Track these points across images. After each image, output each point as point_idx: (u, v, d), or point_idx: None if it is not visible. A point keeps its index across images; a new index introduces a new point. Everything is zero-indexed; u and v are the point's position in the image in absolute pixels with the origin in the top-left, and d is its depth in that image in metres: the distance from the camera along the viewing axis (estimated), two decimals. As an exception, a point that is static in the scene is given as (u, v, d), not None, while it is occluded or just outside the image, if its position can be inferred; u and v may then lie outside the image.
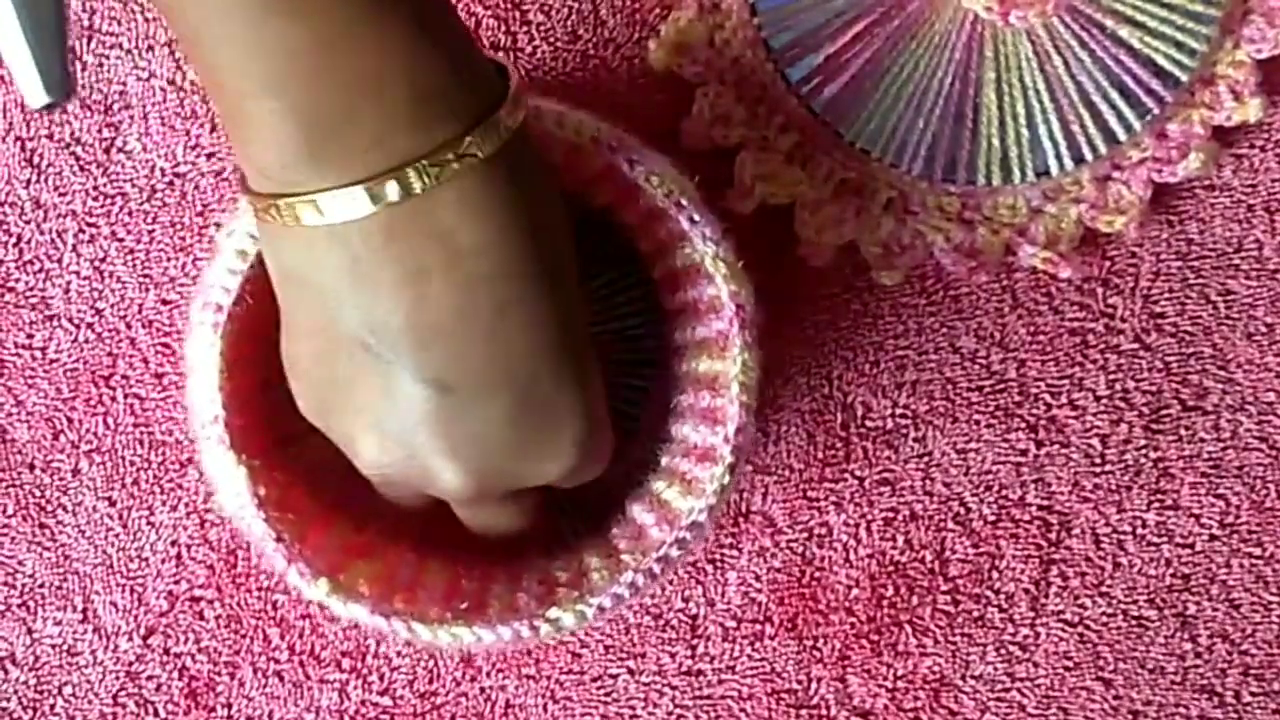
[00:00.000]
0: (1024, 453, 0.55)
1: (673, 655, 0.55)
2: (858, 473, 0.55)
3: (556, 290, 0.40)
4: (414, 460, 0.41)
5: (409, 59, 0.37)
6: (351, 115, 0.37)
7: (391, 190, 0.37)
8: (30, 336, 0.54)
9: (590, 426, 0.42)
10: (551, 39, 0.53)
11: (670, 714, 0.55)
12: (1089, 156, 0.53)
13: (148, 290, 0.54)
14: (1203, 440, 0.55)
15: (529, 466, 0.42)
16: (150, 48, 0.53)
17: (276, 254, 0.40)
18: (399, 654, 0.55)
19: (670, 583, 0.55)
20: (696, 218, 0.47)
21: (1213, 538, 0.56)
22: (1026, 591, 0.55)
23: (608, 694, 0.55)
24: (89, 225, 0.53)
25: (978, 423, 0.55)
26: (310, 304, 0.40)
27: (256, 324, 0.46)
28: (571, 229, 0.43)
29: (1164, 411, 0.55)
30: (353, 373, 0.40)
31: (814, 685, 0.55)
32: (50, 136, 0.53)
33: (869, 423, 0.55)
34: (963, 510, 0.55)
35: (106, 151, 0.53)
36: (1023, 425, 0.55)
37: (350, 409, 0.41)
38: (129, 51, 0.53)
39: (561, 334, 0.41)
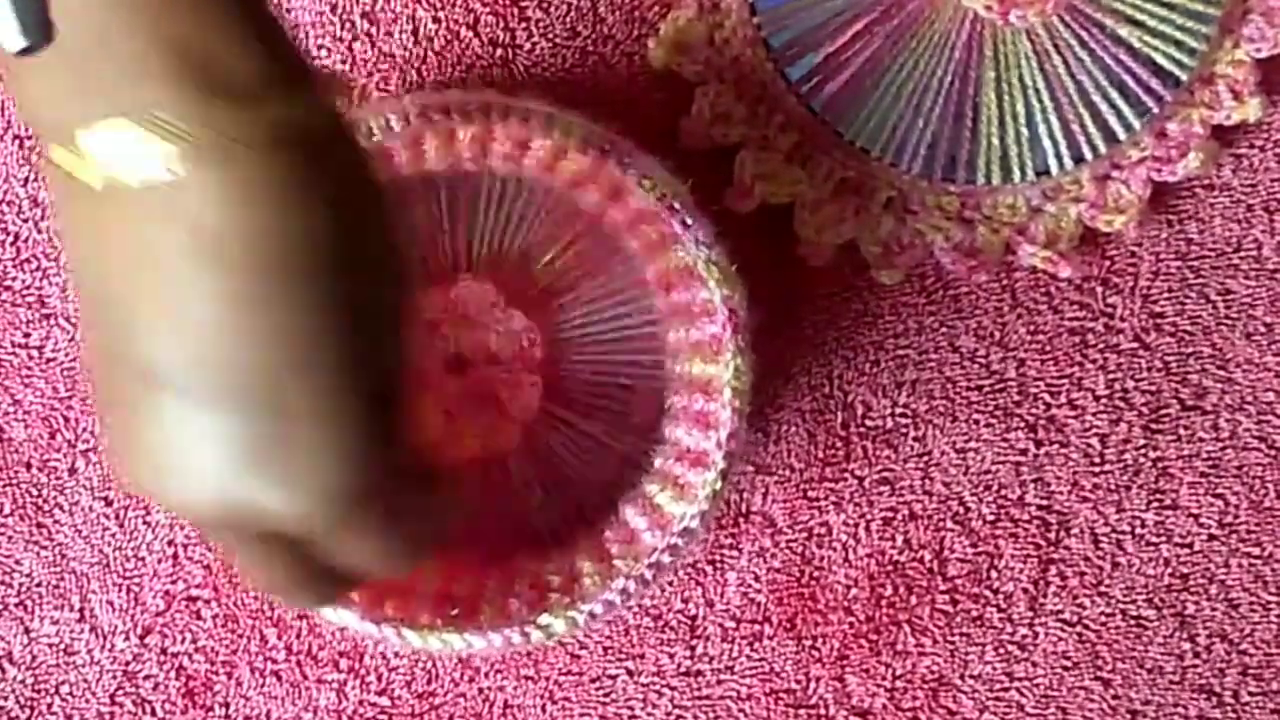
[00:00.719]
0: (1023, 452, 0.55)
1: (672, 656, 0.55)
2: (857, 472, 0.55)
3: (338, 304, 0.36)
4: (139, 456, 0.37)
5: (199, 32, 0.34)
6: (113, 69, 0.34)
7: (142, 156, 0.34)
8: (27, 335, 0.53)
9: (349, 475, 0.36)
10: (550, 36, 0.53)
11: (669, 714, 0.55)
12: (1088, 156, 0.53)
13: (145, 289, 0.53)
14: (1202, 440, 0.55)
15: (257, 497, 0.36)
16: (148, 45, 0.52)
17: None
18: (397, 654, 0.54)
19: (669, 583, 0.55)
20: (689, 221, 0.47)
21: (1211, 537, 0.56)
22: (1025, 591, 0.55)
23: (606, 695, 0.55)
24: (86, 223, 0.53)
25: (977, 422, 0.55)
26: (72, 249, 0.37)
27: None
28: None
29: (1163, 411, 0.55)
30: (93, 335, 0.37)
31: (813, 685, 0.55)
32: (47, 134, 0.53)
33: (869, 422, 0.55)
34: (962, 510, 0.55)
35: (104, 149, 0.53)
36: (1022, 425, 0.55)
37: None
38: (126, 49, 0.53)
39: (335, 353, 0.36)
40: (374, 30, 0.53)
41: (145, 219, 0.35)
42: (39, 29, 0.32)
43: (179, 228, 0.35)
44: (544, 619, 0.47)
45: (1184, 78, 0.52)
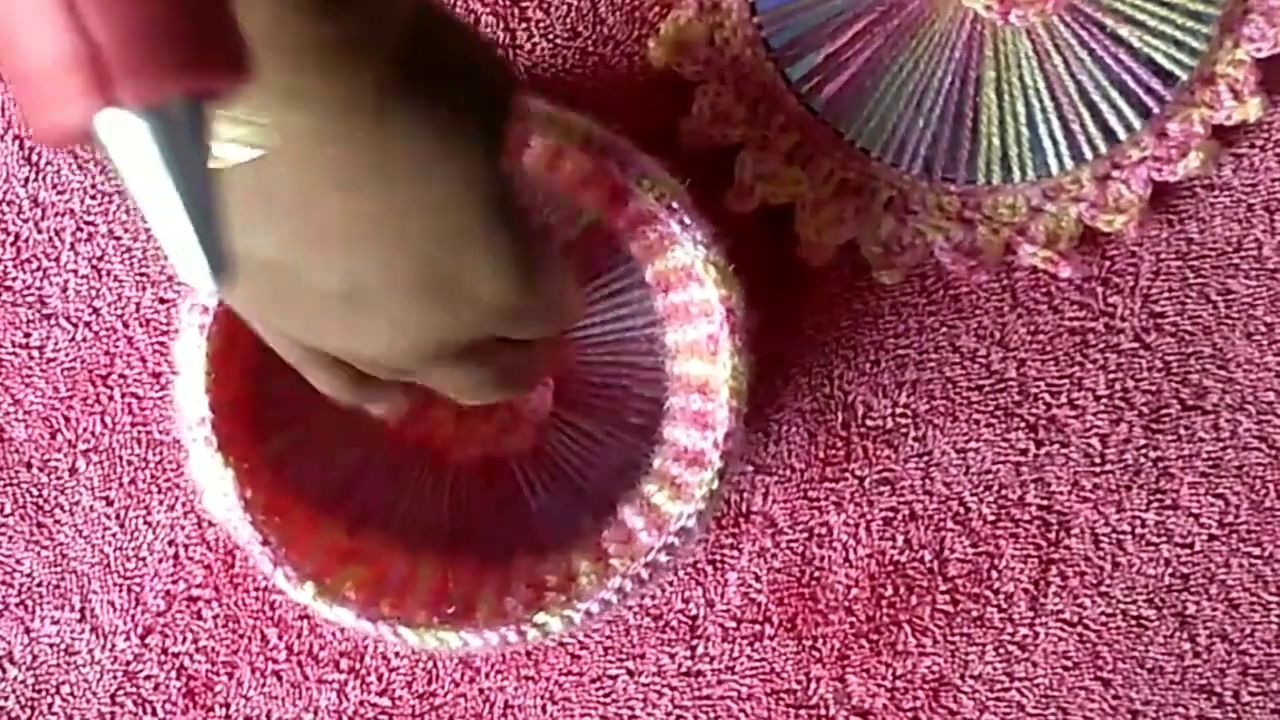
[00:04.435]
0: (1024, 452, 0.55)
1: (672, 656, 0.55)
2: (858, 472, 0.55)
3: (431, 171, 0.37)
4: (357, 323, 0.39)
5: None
6: None
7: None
8: (28, 335, 0.53)
9: (520, 273, 0.39)
10: (551, 36, 0.53)
11: (669, 714, 0.55)
12: (1089, 155, 0.53)
13: (145, 289, 0.53)
14: (1202, 440, 0.55)
15: (455, 326, 0.40)
16: (148, 46, 0.52)
17: None
18: (398, 654, 0.55)
19: (670, 583, 0.55)
20: (687, 221, 0.47)
21: (1212, 537, 0.56)
22: (1026, 591, 0.55)
23: (607, 695, 0.55)
24: (87, 223, 0.53)
25: (977, 422, 0.55)
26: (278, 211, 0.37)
27: (243, 325, 0.46)
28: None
29: (1163, 411, 0.55)
30: (260, 287, 0.39)
31: (813, 685, 0.55)
32: (48, 135, 0.53)
33: (869, 422, 0.55)
34: (962, 510, 0.55)
35: (104, 150, 0.53)
36: (1022, 425, 0.55)
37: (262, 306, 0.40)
38: (127, 49, 0.53)
39: (454, 207, 0.37)
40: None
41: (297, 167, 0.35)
42: (224, 264, 0.30)
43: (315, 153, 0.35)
44: (540, 617, 0.47)
45: (1184, 77, 0.52)
